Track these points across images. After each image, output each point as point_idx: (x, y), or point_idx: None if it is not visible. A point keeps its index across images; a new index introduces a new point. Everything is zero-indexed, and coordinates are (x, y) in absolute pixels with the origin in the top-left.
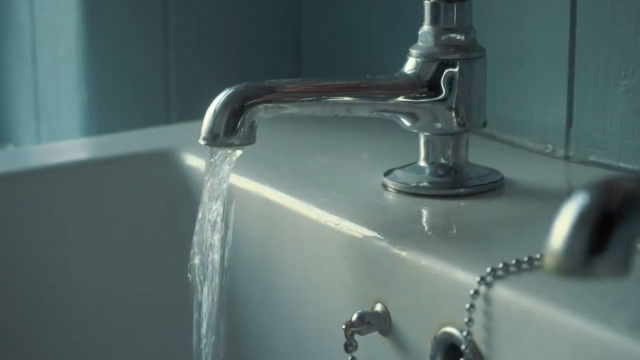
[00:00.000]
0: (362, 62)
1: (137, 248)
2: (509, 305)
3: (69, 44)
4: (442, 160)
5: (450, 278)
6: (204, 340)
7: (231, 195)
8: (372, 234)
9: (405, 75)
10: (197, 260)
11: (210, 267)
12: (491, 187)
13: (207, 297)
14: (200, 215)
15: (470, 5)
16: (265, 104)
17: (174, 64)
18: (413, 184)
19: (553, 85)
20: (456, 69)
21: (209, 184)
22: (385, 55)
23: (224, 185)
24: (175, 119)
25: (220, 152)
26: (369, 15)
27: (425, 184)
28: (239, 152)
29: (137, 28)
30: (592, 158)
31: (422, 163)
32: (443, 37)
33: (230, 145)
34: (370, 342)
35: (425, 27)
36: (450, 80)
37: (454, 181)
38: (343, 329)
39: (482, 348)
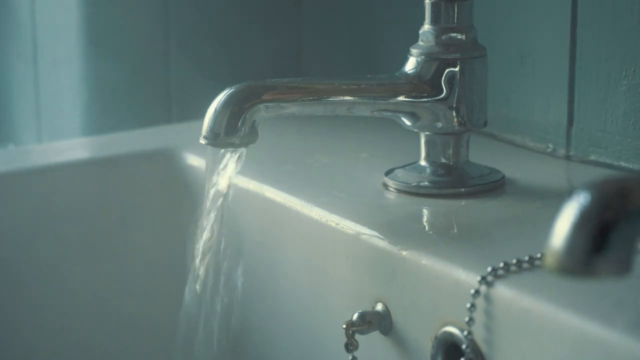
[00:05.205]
0: (362, 62)
1: (137, 247)
2: (509, 305)
3: (69, 43)
4: (443, 160)
5: (451, 277)
6: (204, 339)
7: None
8: (373, 234)
9: (406, 74)
10: (199, 261)
11: (211, 268)
12: (492, 186)
13: (207, 298)
14: (205, 215)
15: (471, 5)
16: (266, 104)
17: (174, 63)
18: (414, 184)
19: (554, 84)
20: (457, 69)
21: (214, 184)
22: (386, 54)
23: (228, 185)
24: (176, 118)
25: (226, 152)
26: (369, 15)
27: (426, 183)
28: (243, 152)
29: (138, 27)
30: (593, 157)
31: (422, 162)
32: (444, 37)
33: (231, 145)
34: (371, 342)
35: (426, 27)
36: (451, 79)
37: (454, 180)
38: (344, 328)
39: (483, 347)
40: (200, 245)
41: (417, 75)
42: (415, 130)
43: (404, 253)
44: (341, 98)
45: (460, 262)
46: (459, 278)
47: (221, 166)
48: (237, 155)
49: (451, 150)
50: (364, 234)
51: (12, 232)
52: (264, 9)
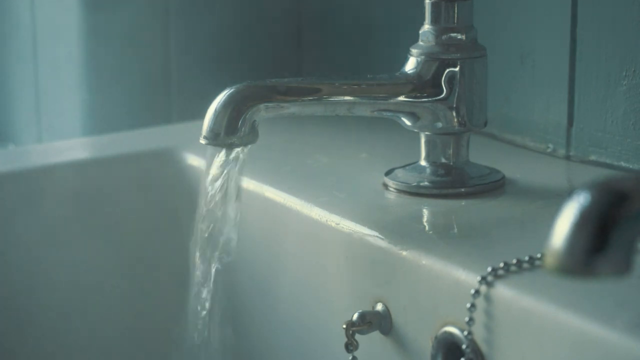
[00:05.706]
0: (362, 62)
1: (137, 247)
2: (509, 305)
3: (69, 43)
4: (443, 160)
5: (451, 277)
6: (203, 338)
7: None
8: (373, 234)
9: (406, 74)
10: (198, 258)
11: (213, 266)
12: (492, 186)
13: (207, 297)
14: (205, 214)
15: (471, 5)
16: (266, 104)
17: (175, 63)
18: (414, 184)
19: (554, 84)
20: (457, 69)
21: (217, 184)
22: (386, 54)
23: (235, 185)
24: (176, 118)
25: (226, 152)
26: (369, 14)
27: (426, 183)
28: (239, 152)
29: (138, 27)
30: (593, 157)
31: (422, 162)
32: (444, 37)
33: (231, 145)
34: (371, 342)
35: (426, 27)
36: (451, 79)
37: (454, 180)
38: (344, 328)
39: (483, 347)
40: (200, 245)
41: (417, 75)
42: (415, 130)
43: (404, 253)
44: (341, 98)
45: (460, 262)
46: (459, 278)
47: (222, 166)
48: (237, 155)
49: (451, 150)
50: (364, 234)
51: (11, 232)
52: (263, 8)
